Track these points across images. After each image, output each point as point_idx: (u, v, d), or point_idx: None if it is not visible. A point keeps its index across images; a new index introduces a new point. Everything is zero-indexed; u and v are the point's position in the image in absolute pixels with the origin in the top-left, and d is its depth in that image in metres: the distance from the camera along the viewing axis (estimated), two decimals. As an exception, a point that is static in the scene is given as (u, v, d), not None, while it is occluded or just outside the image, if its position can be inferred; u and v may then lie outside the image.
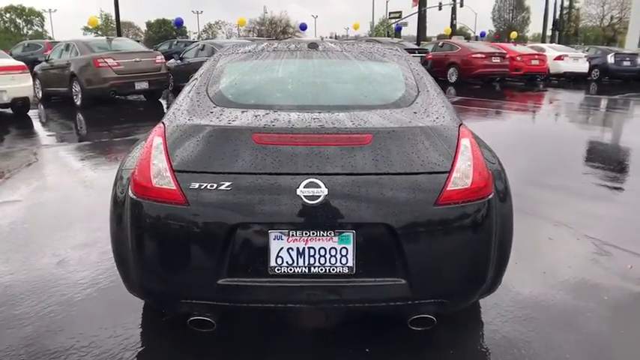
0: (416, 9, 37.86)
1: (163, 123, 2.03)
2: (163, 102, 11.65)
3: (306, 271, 1.79)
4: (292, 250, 1.78)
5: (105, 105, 10.50)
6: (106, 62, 10.01)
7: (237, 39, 22.99)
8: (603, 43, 45.59)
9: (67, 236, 3.38)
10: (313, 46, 2.80)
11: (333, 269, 1.79)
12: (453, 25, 53.05)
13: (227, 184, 1.75)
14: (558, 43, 24.94)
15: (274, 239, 1.77)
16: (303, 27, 38.01)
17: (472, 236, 1.90)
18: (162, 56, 11.32)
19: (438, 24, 51.48)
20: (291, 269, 1.78)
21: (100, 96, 10.25)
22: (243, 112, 2.03)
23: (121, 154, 6.03)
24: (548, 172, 5.32)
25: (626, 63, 17.71)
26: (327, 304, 1.85)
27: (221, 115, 2.00)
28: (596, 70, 18.24)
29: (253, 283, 1.79)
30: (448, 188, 1.83)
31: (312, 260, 1.79)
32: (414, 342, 2.19)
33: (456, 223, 1.85)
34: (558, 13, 47.09)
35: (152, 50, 13.04)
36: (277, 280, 1.78)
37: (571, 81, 18.10)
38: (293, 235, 1.77)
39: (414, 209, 1.79)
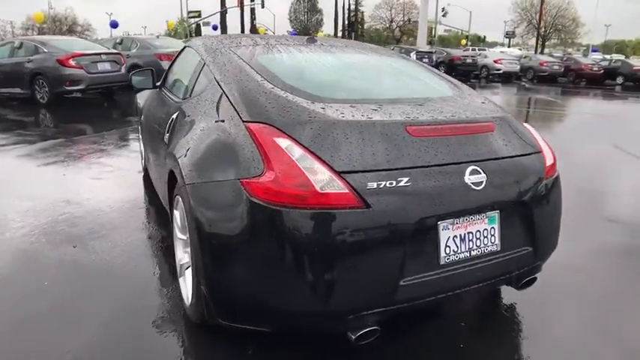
0: (215, 9, 37.56)
1: (266, 123, 1.78)
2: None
3: (468, 255, 1.86)
4: (457, 237, 1.83)
5: None
6: None
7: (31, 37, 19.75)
8: (393, 43, 52.54)
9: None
10: (311, 40, 2.84)
11: (487, 249, 1.91)
12: (253, 25, 54.40)
13: (405, 179, 1.70)
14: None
15: (443, 229, 1.80)
16: (114, 24, 34.37)
17: (558, 203, 2.23)
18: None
19: (237, 23, 51.83)
20: (457, 256, 1.84)
21: None
22: (352, 106, 1.94)
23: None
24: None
25: (424, 60, 20.95)
26: (482, 283, 1.95)
27: (340, 110, 1.88)
28: (402, 66, 21.11)
29: (428, 277, 1.78)
30: (547, 164, 2.12)
31: (470, 244, 1.87)
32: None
33: (555, 192, 2.17)
34: (347, 16, 52.81)
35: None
36: (447, 270, 1.82)
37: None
38: (457, 223, 1.83)
39: (537, 184, 2.04)
